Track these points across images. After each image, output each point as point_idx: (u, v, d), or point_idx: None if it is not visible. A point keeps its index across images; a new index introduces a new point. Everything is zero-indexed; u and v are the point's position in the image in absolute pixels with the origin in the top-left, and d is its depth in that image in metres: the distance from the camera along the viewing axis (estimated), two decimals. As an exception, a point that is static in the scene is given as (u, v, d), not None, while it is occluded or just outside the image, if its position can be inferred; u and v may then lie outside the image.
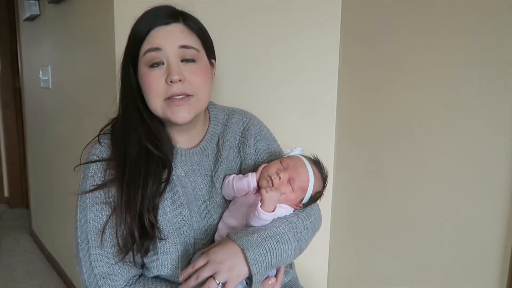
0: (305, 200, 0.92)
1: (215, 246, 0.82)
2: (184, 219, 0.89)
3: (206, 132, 0.96)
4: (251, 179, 0.91)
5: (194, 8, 0.89)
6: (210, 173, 0.95)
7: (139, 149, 0.85)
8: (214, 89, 0.96)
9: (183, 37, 0.84)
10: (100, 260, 0.83)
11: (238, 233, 0.82)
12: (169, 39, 0.82)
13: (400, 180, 1.19)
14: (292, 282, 1.03)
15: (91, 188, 0.84)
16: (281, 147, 1.05)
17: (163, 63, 0.83)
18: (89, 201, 0.84)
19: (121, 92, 0.89)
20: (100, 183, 0.84)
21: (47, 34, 2.30)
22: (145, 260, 0.86)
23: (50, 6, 2.14)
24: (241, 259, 0.79)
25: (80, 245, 0.84)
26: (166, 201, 0.88)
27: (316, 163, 0.94)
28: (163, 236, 0.86)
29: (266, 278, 0.84)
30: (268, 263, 0.80)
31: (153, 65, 0.82)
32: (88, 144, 0.90)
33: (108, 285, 0.83)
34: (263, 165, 0.93)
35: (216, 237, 0.92)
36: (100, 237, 0.83)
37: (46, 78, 2.33)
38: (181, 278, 0.80)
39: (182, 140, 0.92)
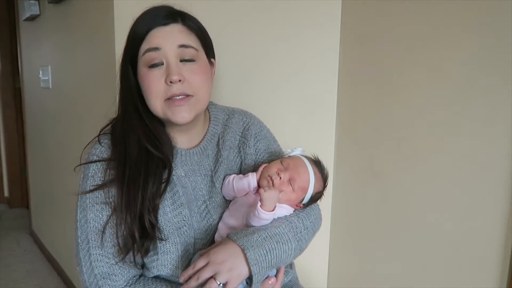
0: (305, 200, 0.92)
1: (215, 246, 0.82)
2: (184, 219, 0.89)
3: (206, 132, 0.96)
4: (251, 179, 0.91)
5: (194, 8, 0.89)
6: (210, 173, 0.95)
7: (139, 150, 0.85)
8: (214, 89, 0.96)
9: (182, 37, 0.84)
10: (100, 260, 0.83)
11: (238, 233, 0.82)
12: (168, 39, 0.82)
13: (400, 180, 1.19)
14: (292, 282, 1.03)
15: (91, 188, 0.84)
16: (281, 147, 1.05)
17: (163, 64, 0.83)
18: (89, 201, 0.84)
19: (120, 92, 0.89)
20: (100, 183, 0.84)
21: (47, 34, 2.30)
22: (145, 260, 0.86)
23: (50, 6, 2.14)
24: (241, 259, 0.78)
25: (80, 245, 0.84)
26: (166, 201, 0.88)
27: (317, 163, 0.94)
28: (163, 236, 0.86)
29: (266, 278, 0.84)
30: (268, 263, 0.80)
31: (152, 65, 0.82)
32: (88, 144, 0.90)
33: (108, 285, 0.83)
34: (263, 165, 0.93)
35: (216, 237, 0.92)
36: (100, 237, 0.83)
37: (46, 78, 2.33)
38: (181, 279, 0.80)
39: (182, 140, 0.92)
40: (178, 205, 0.89)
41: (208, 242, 0.93)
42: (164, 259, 0.86)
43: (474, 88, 0.99)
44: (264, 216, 0.83)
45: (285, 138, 1.11)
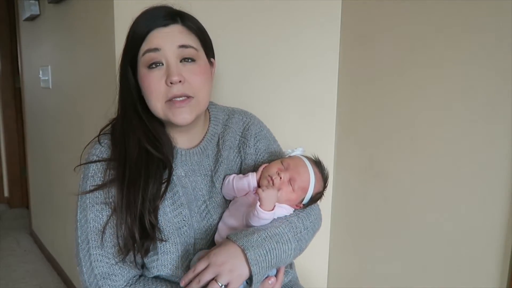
0: (305, 201, 0.92)
1: (214, 249, 0.82)
2: (184, 219, 0.89)
3: (206, 132, 0.96)
4: (251, 179, 0.91)
5: (194, 8, 0.89)
6: (210, 173, 0.95)
7: (139, 150, 0.85)
8: (214, 89, 0.96)
9: (182, 37, 0.84)
10: (100, 261, 0.83)
11: (238, 234, 0.82)
12: (168, 40, 0.82)
13: (400, 180, 1.19)
14: (292, 282, 1.03)
15: (91, 188, 0.84)
16: (281, 147, 1.05)
17: (162, 64, 0.83)
18: (89, 201, 0.84)
19: (119, 93, 0.89)
20: (100, 183, 0.84)
21: (47, 34, 2.30)
22: (145, 260, 0.86)
23: (50, 6, 2.14)
24: (241, 259, 0.78)
25: (80, 245, 0.84)
26: (166, 201, 0.88)
27: (317, 163, 0.94)
28: (163, 236, 0.86)
29: (266, 277, 0.84)
30: (268, 263, 0.80)
31: (152, 65, 0.82)
32: (88, 144, 0.90)
33: (108, 285, 0.83)
34: (263, 165, 0.93)
35: (216, 237, 0.92)
36: (100, 237, 0.83)
37: (46, 78, 2.33)
38: (182, 284, 0.80)
39: (182, 140, 0.92)
40: (178, 205, 0.89)
41: (208, 242, 0.93)
42: (164, 259, 0.86)
43: (474, 88, 0.99)
44: (263, 215, 0.83)
45: (285, 138, 1.11)
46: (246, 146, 0.99)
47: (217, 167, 0.96)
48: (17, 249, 2.89)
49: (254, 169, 0.96)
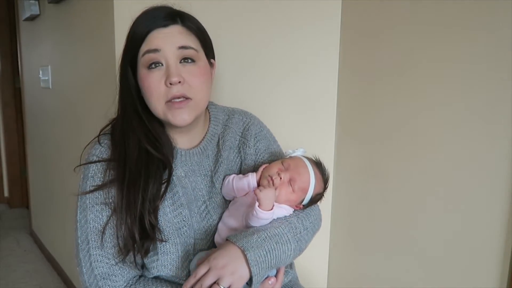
0: (305, 201, 0.92)
1: (214, 252, 0.82)
2: (184, 219, 0.89)
3: (206, 132, 0.96)
4: (251, 179, 0.91)
5: (193, 8, 0.89)
6: (210, 173, 0.95)
7: (139, 151, 0.85)
8: (214, 89, 0.96)
9: (181, 38, 0.84)
10: (100, 261, 0.83)
11: (238, 235, 0.82)
12: (168, 41, 0.82)
13: (400, 180, 1.19)
14: (292, 282, 1.03)
15: (91, 188, 0.84)
16: (281, 147, 1.05)
17: (162, 64, 0.83)
18: (89, 202, 0.84)
19: (119, 93, 0.89)
20: (100, 183, 0.84)
21: (47, 34, 2.30)
22: (145, 260, 0.86)
23: (50, 6, 2.14)
24: (242, 261, 0.78)
25: (80, 246, 0.84)
26: (166, 202, 0.88)
27: (318, 164, 0.94)
28: (163, 237, 0.86)
29: (266, 278, 0.84)
30: (268, 264, 0.80)
31: (151, 65, 0.82)
32: (88, 145, 0.90)
33: (108, 285, 0.83)
34: (263, 166, 0.93)
35: (216, 237, 0.92)
36: (100, 237, 0.83)
37: (46, 78, 2.33)
38: None
39: (182, 141, 0.92)
40: (178, 206, 0.89)
41: (208, 242, 0.93)
42: (164, 260, 0.86)
43: (474, 87, 0.99)
44: (262, 215, 0.83)
45: (285, 138, 1.10)
46: (246, 146, 0.99)
47: (217, 168, 0.95)
48: (17, 249, 2.89)
49: (254, 169, 0.96)
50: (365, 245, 1.32)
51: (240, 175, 0.95)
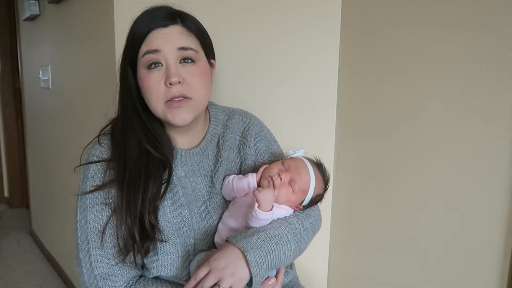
0: (305, 202, 0.92)
1: (214, 254, 0.82)
2: (184, 219, 0.89)
3: (206, 133, 0.96)
4: (251, 180, 0.91)
5: (193, 8, 0.89)
6: (210, 173, 0.95)
7: (139, 151, 0.85)
8: (214, 89, 0.96)
9: (181, 39, 0.84)
10: (100, 261, 0.83)
11: (238, 236, 0.82)
12: (168, 41, 0.82)
13: (400, 180, 1.19)
14: (292, 282, 1.03)
15: (91, 189, 0.84)
16: (281, 147, 1.05)
17: (162, 65, 0.83)
18: (89, 202, 0.84)
19: (119, 93, 0.89)
20: (100, 183, 0.84)
21: (47, 34, 2.30)
22: (145, 260, 0.86)
23: (50, 6, 2.14)
24: (242, 262, 0.78)
25: (80, 246, 0.84)
26: (166, 202, 0.88)
27: (319, 166, 0.94)
28: (163, 237, 0.86)
29: (266, 278, 0.84)
30: (268, 265, 0.80)
31: (151, 65, 0.82)
32: (88, 145, 0.90)
33: (109, 286, 0.83)
34: (264, 166, 0.93)
35: (216, 238, 0.92)
36: (100, 238, 0.83)
37: (46, 78, 2.33)
38: None
39: (182, 141, 0.92)
40: (178, 206, 0.89)
41: (208, 242, 0.93)
42: (164, 260, 0.86)
43: (475, 87, 0.99)
44: (262, 216, 0.83)
45: (285, 138, 1.10)
46: (246, 147, 0.99)
47: (217, 168, 0.95)
48: (17, 249, 2.89)
49: (254, 169, 0.96)
50: (365, 245, 1.32)
51: (240, 176, 0.95)
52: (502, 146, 0.94)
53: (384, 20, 1.20)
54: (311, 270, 1.37)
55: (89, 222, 0.83)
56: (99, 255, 0.83)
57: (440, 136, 1.07)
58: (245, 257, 0.78)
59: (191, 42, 0.85)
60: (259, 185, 0.91)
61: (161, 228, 0.86)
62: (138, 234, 0.81)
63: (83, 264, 0.84)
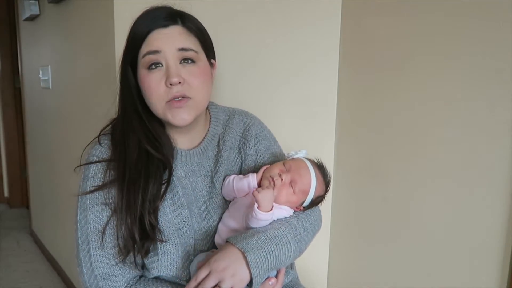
0: (306, 203, 0.91)
1: (214, 255, 0.82)
2: (184, 219, 0.89)
3: (207, 133, 0.96)
4: (252, 180, 0.91)
5: (194, 8, 0.89)
6: (210, 173, 0.95)
7: (139, 151, 0.85)
8: (214, 89, 0.96)
9: (181, 39, 0.83)
10: (100, 261, 0.83)
11: (238, 237, 0.82)
12: (168, 42, 0.82)
13: (400, 180, 1.19)
14: (293, 282, 1.03)
15: (92, 189, 0.84)
16: (281, 147, 1.05)
17: (162, 65, 0.83)
18: (89, 202, 0.84)
19: (120, 93, 0.89)
20: (100, 184, 0.84)
21: (47, 34, 2.30)
22: (145, 261, 0.86)
23: (50, 6, 2.14)
24: (242, 263, 0.78)
25: (81, 246, 0.84)
26: (166, 202, 0.88)
27: (320, 167, 0.94)
28: (163, 237, 0.86)
29: (266, 278, 0.84)
30: (268, 265, 0.80)
31: (151, 66, 0.82)
32: (88, 145, 0.90)
33: (109, 286, 0.83)
34: (265, 167, 0.93)
35: (216, 238, 0.92)
36: (100, 238, 0.83)
37: (46, 78, 2.33)
38: None
39: (182, 141, 0.92)
40: (178, 206, 0.89)
41: (208, 243, 0.93)
42: (164, 260, 0.86)
43: (475, 87, 0.99)
44: (261, 216, 0.83)
45: (285, 138, 1.10)
46: (246, 147, 0.99)
47: (217, 168, 0.95)
48: (17, 249, 2.89)
49: (255, 170, 0.96)
50: (365, 245, 1.32)
51: (241, 176, 0.95)
52: (502, 146, 0.94)
53: (384, 21, 1.20)
54: (311, 270, 1.37)
55: (89, 222, 0.83)
56: (99, 255, 0.83)
57: (440, 136, 1.07)
58: (245, 258, 0.78)
59: (191, 42, 0.85)
60: (259, 185, 0.90)
61: (161, 229, 0.86)
62: (138, 234, 0.81)
63: (83, 264, 0.84)
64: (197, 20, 0.89)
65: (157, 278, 0.89)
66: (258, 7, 1.32)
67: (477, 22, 0.97)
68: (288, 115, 1.36)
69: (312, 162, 0.93)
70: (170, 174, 0.87)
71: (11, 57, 3.52)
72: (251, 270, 0.78)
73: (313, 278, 1.42)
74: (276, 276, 0.86)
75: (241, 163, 0.99)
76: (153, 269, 0.87)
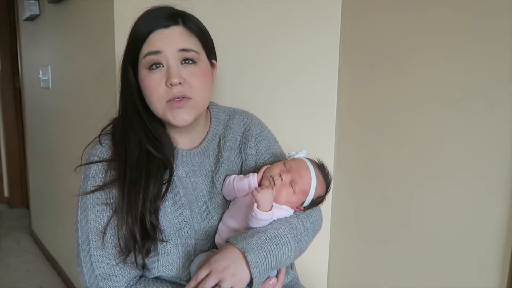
0: (306, 203, 0.91)
1: (214, 255, 0.82)
2: (185, 219, 0.89)
3: (207, 133, 0.96)
4: (252, 180, 0.91)
5: (195, 8, 0.89)
6: (211, 173, 0.95)
7: (140, 151, 0.85)
8: (214, 89, 0.96)
9: (182, 40, 0.83)
10: (101, 261, 0.83)
11: (238, 237, 0.82)
12: (169, 42, 0.82)
13: (400, 180, 1.19)
14: (293, 282, 1.03)
15: (92, 189, 0.84)
16: (282, 147, 1.05)
17: (163, 65, 0.83)
18: (90, 202, 0.84)
19: (120, 93, 0.89)
20: (101, 184, 0.84)
21: (47, 34, 2.30)
22: (146, 261, 0.86)
23: (50, 6, 2.14)
24: (242, 263, 0.78)
25: (81, 246, 0.84)
26: (167, 202, 0.88)
27: (321, 167, 0.94)
28: (164, 237, 0.86)
29: (267, 278, 0.84)
30: (268, 265, 0.80)
31: (152, 66, 0.82)
32: (89, 145, 0.90)
33: (109, 286, 0.83)
34: (265, 167, 0.93)
35: (217, 238, 0.92)
36: (101, 238, 0.83)
37: (46, 78, 2.33)
38: None
39: (183, 141, 0.92)
40: (179, 206, 0.89)
41: (208, 243, 0.93)
42: (165, 260, 0.86)
43: (474, 88, 0.99)
44: (261, 216, 0.83)
45: (285, 138, 1.11)
46: (247, 147, 0.99)
47: (218, 168, 0.95)
48: (17, 249, 2.89)
49: (255, 170, 0.96)
50: (365, 245, 1.32)
51: (241, 176, 0.95)
52: (502, 146, 0.94)
53: (384, 21, 1.20)
54: (311, 270, 1.37)
55: (90, 222, 0.83)
56: (100, 255, 0.83)
57: (440, 136, 1.07)
58: (245, 257, 0.78)
59: (192, 43, 0.85)
60: (260, 185, 0.90)
61: (162, 228, 0.86)
62: (139, 234, 0.81)
63: (84, 264, 0.84)
64: (198, 20, 0.89)
65: (157, 278, 0.89)
66: (258, 7, 1.32)
67: (477, 22, 0.97)
68: (288, 115, 1.36)
69: (313, 162, 0.93)
70: (171, 174, 0.87)
71: (11, 57, 3.52)
72: (251, 270, 0.78)
73: (313, 278, 1.42)
74: (277, 276, 0.86)
75: (242, 163, 0.99)
76: (154, 269, 0.87)
